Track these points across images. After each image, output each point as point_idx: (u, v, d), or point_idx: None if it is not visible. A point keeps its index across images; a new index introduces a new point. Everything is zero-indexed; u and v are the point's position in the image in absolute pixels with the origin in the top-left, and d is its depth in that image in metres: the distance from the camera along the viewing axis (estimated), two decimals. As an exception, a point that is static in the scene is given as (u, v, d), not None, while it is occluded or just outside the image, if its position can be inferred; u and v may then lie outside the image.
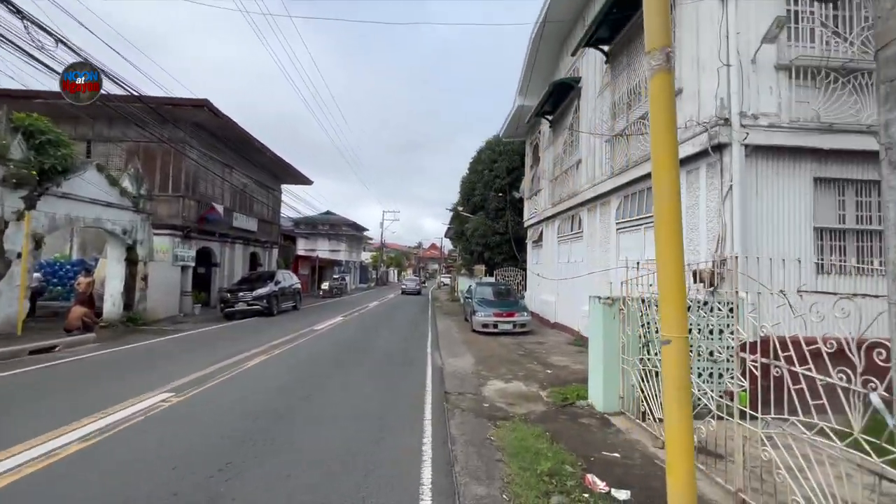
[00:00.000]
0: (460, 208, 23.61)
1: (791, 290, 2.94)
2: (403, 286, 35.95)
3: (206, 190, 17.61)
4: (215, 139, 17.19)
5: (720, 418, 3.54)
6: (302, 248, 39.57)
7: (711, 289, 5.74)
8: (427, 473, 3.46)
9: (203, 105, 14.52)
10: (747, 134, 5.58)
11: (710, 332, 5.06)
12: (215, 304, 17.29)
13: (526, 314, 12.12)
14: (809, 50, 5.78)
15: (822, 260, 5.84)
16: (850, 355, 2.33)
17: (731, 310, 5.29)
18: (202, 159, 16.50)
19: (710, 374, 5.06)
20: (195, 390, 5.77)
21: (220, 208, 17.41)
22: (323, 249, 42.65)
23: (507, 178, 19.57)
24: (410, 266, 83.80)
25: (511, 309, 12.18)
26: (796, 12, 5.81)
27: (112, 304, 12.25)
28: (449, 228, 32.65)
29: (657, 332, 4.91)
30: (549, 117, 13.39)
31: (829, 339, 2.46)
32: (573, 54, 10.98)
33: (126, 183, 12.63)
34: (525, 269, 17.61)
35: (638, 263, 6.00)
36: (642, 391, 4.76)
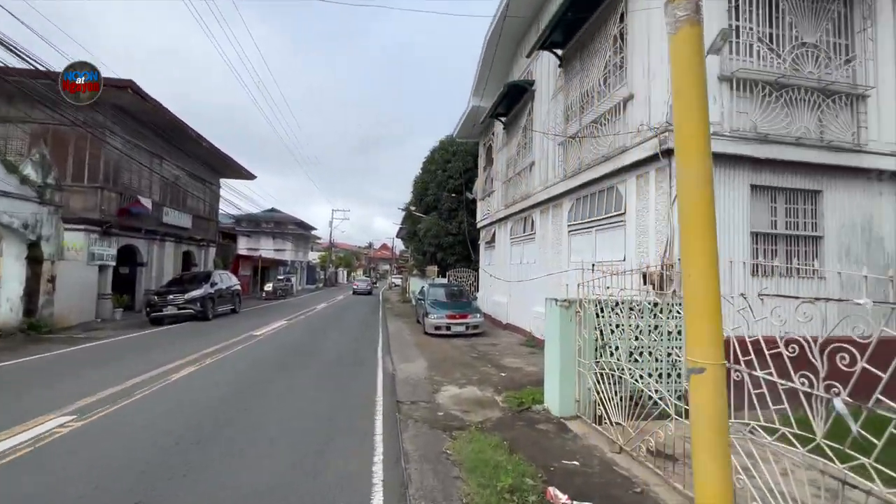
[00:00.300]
0: (413, 208, 23.25)
1: (733, 292, 2.94)
2: (355, 286, 37.20)
3: (131, 181, 15.88)
4: (142, 126, 15.55)
5: (673, 419, 3.52)
6: (244, 247, 37.22)
7: (661, 291, 5.88)
8: (378, 500, 3.11)
9: (127, 86, 13.03)
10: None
11: (658, 333, 5.14)
12: (141, 307, 15.63)
13: (479, 316, 12.03)
14: (748, 64, 6.10)
15: (758, 262, 6.18)
16: (812, 359, 2.31)
17: (677, 310, 5.42)
18: (126, 147, 14.84)
19: (661, 375, 5.15)
20: (103, 411, 4.98)
21: (147, 202, 15.77)
22: (267, 249, 40.40)
23: (461, 179, 19.51)
24: (360, 266, 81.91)
25: (464, 310, 12.04)
26: (738, 27, 6.11)
27: (9, 308, 10.60)
28: (401, 228, 32.14)
29: (612, 333, 4.91)
30: (503, 119, 13.43)
31: (791, 343, 2.44)
32: (528, 56, 11.04)
33: (29, 170, 11.00)
34: (478, 270, 17.62)
35: (593, 265, 6.02)
36: (598, 394, 4.72)
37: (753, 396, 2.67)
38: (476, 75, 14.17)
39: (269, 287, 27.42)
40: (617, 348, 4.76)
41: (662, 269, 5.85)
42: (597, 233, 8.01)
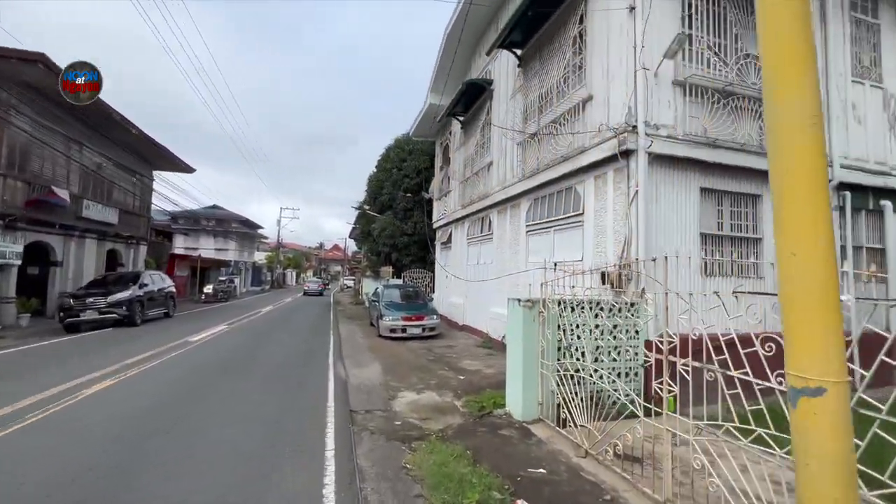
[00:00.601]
0: (367, 207, 22.57)
1: (685, 290, 2.91)
2: (306, 287, 37.71)
3: (44, 169, 14.03)
4: (58, 107, 13.76)
5: (641, 420, 3.44)
6: (181, 246, 34.45)
7: (619, 289, 5.92)
8: (329, 528, 2.73)
9: (38, 60, 11.44)
10: (651, 142, 5.87)
11: (617, 331, 5.13)
12: (54, 313, 13.81)
13: (435, 317, 11.76)
14: (700, 70, 6.31)
15: (708, 260, 6.40)
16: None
17: (635, 309, 5.45)
18: (37, 130, 13.06)
19: (619, 374, 5.14)
20: (-9, 437, 4.15)
21: (63, 193, 13.98)
22: (207, 248, 37.70)
23: (417, 179, 19.17)
24: (311, 267, 78.96)
25: (420, 312, 11.71)
26: (690, 35, 6.31)
27: None
28: (354, 228, 31.18)
29: (573, 333, 4.82)
30: (461, 118, 13.29)
31: (767, 342, 2.38)
32: (488, 54, 10.96)
33: None
34: (434, 271, 17.36)
35: (556, 265, 5.94)
36: (562, 396, 4.60)
37: (727, 396, 2.60)
38: (434, 72, 13.93)
39: (208, 289, 25.50)
40: (578, 349, 4.68)
41: (621, 268, 5.89)
42: (555, 233, 8.02)
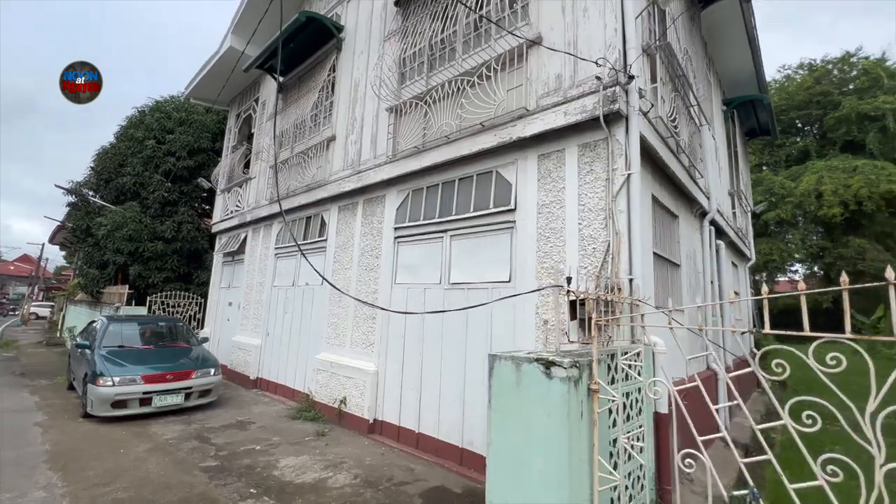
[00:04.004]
0: (91, 193, 14.42)
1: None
2: None
3: None
4: None
5: None
6: None
7: (601, 323, 3.62)
8: None
9: None
10: (652, 105, 4.02)
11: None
12: None
13: (213, 372, 6.98)
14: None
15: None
16: None
17: (640, 361, 3.26)
18: None
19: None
20: None
21: None
22: None
23: (190, 161, 13.18)
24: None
25: (181, 365, 6.75)
26: None
27: None
28: (62, 227, 20.25)
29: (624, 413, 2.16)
30: (282, 77, 9.30)
31: None
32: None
33: None
34: (206, 296, 11.75)
35: (568, 279, 3.18)
36: None
37: None
38: (243, 3, 9.51)
39: None
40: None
41: (606, 291, 3.63)
42: (453, 240, 5.31)
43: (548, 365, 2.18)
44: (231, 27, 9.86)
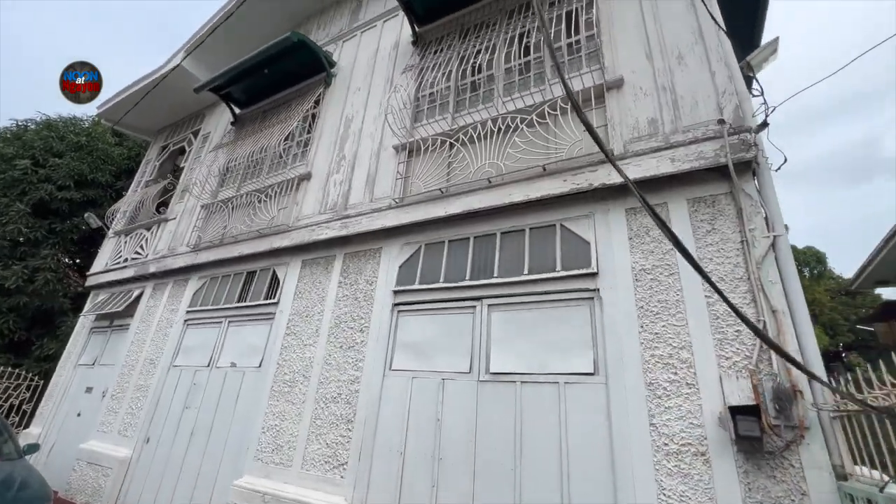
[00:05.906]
0: None
1: None
2: None
3: None
4: None
5: None
6: None
7: (776, 446, 2.37)
8: None
9: None
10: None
11: None
12: None
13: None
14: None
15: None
16: None
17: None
18: None
19: None
20: None
21: None
22: None
23: (76, 193, 10.17)
24: None
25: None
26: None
27: None
28: None
29: None
30: (240, 109, 7.80)
31: None
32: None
33: None
34: (46, 377, 8.08)
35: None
36: None
37: None
38: (212, 21, 8.19)
39: None
40: None
41: (777, 395, 2.47)
42: (492, 311, 3.88)
43: None
44: (186, 44, 8.34)
